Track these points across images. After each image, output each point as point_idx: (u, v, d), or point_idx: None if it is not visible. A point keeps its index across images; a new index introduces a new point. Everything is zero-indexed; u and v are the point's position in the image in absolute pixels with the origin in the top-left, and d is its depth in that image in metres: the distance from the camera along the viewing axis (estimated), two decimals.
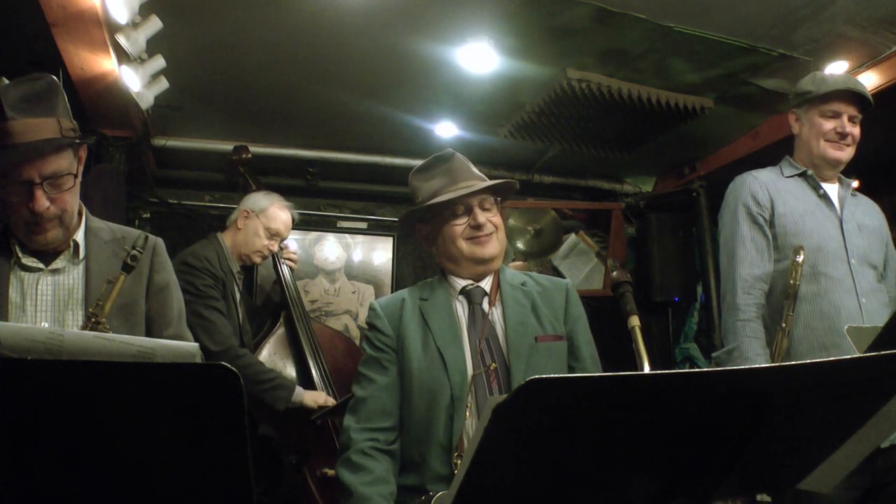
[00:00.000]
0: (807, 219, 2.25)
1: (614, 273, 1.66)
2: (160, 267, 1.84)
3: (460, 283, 1.87)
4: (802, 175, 2.34)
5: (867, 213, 2.36)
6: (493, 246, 1.84)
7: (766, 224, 2.27)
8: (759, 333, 2.19)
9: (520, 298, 1.86)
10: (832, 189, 2.34)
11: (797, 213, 2.26)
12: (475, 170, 1.90)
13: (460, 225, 1.82)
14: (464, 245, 1.82)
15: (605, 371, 1.90)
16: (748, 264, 2.25)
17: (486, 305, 1.84)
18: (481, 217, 1.81)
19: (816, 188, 2.31)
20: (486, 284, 1.87)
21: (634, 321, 1.56)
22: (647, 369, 1.69)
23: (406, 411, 1.77)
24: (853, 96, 2.28)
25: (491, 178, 1.91)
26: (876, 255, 2.28)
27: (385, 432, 1.75)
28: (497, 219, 1.86)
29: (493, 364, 1.74)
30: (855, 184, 2.39)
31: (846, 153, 2.29)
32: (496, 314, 1.84)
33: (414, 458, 1.74)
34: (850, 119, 2.28)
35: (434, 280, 1.94)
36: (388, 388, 1.78)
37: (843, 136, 2.27)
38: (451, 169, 1.86)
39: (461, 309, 1.85)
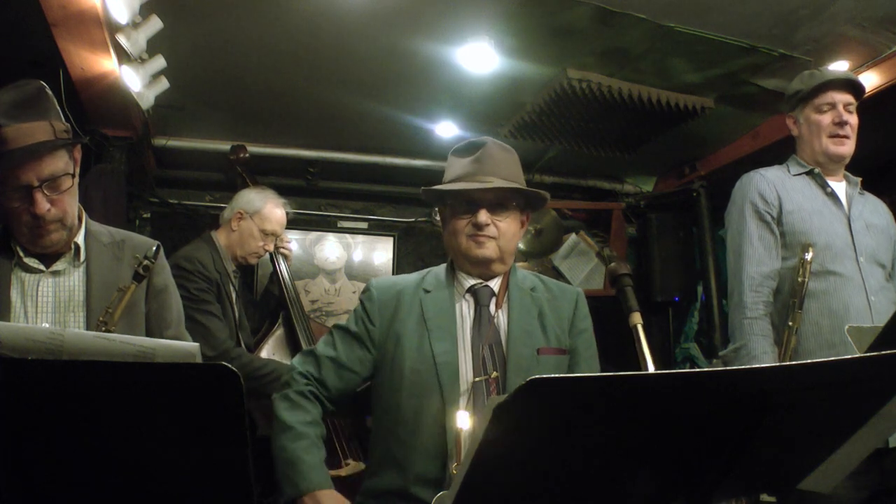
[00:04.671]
0: (815, 217, 2.23)
1: (612, 264, 1.52)
2: (159, 270, 1.85)
3: (469, 280, 1.80)
4: (809, 173, 2.32)
5: (875, 211, 2.35)
6: (490, 250, 1.75)
7: (774, 221, 2.26)
8: (767, 331, 2.18)
9: (527, 305, 1.79)
10: (839, 187, 2.32)
11: (805, 211, 2.24)
12: (509, 165, 1.78)
13: (464, 219, 1.75)
14: (462, 240, 1.76)
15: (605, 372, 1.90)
16: (756, 262, 2.23)
17: (492, 307, 1.78)
18: (484, 217, 1.72)
19: (824, 186, 2.30)
20: (495, 285, 1.80)
21: (636, 319, 1.40)
22: (651, 370, 1.67)
23: (394, 409, 1.72)
24: (845, 84, 2.27)
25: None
26: (884, 254, 2.27)
27: (325, 392, 1.75)
28: (505, 224, 1.76)
29: (495, 373, 1.69)
30: (858, 181, 2.38)
31: (847, 147, 2.28)
32: (501, 318, 1.77)
33: (397, 458, 1.69)
34: (846, 107, 2.27)
35: (443, 270, 1.86)
36: (341, 368, 1.75)
37: (841, 125, 2.25)
38: (480, 158, 1.75)
39: (466, 308, 1.79)
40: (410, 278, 1.86)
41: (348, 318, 1.83)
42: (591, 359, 1.84)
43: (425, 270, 1.89)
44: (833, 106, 2.26)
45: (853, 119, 2.28)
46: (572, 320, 1.82)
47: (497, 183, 1.72)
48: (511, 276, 1.83)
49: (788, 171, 2.35)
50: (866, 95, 2.96)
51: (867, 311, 2.14)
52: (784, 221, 2.25)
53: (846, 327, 2.01)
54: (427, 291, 1.80)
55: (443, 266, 1.88)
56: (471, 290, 1.80)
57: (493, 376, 1.68)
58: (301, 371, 1.76)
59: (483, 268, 1.79)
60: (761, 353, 2.14)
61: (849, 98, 2.28)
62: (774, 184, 2.30)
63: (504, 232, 1.76)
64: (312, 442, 1.65)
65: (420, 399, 1.69)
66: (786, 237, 2.25)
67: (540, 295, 1.83)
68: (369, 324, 1.78)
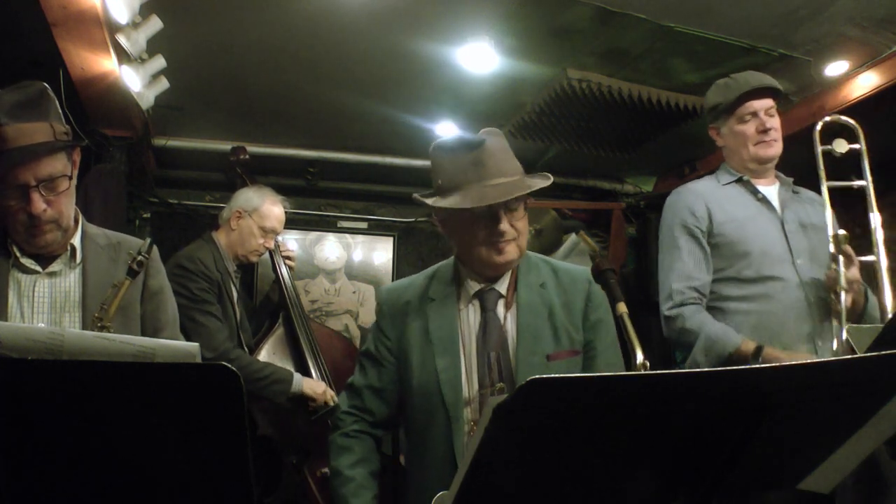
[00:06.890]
0: (748, 224, 2.22)
1: (597, 260, 1.57)
2: (154, 272, 1.86)
3: (475, 286, 1.73)
4: (739, 181, 2.32)
5: (813, 210, 2.30)
6: (513, 253, 1.66)
7: (704, 235, 2.24)
8: (708, 317, 2.15)
9: (536, 305, 1.71)
10: (771, 191, 2.31)
11: (738, 221, 2.23)
12: (508, 158, 1.68)
13: (481, 228, 1.64)
14: (481, 251, 1.66)
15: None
16: (684, 277, 2.21)
17: (500, 310, 1.72)
18: (505, 224, 1.63)
19: (755, 192, 2.29)
20: (503, 285, 1.73)
21: (622, 308, 1.47)
22: (639, 356, 1.68)
23: (408, 421, 1.79)
24: (763, 91, 2.27)
25: None
26: (825, 251, 2.19)
27: (373, 418, 1.79)
28: (522, 223, 1.67)
29: (501, 384, 1.65)
30: (791, 181, 2.36)
31: (775, 148, 2.28)
32: (510, 322, 1.71)
33: (415, 467, 1.76)
34: (767, 112, 2.27)
35: (449, 271, 1.79)
36: (379, 392, 1.79)
37: (766, 131, 2.26)
38: (480, 160, 1.63)
39: (472, 315, 1.72)
40: (417, 284, 1.81)
41: (369, 339, 1.85)
42: (608, 350, 1.74)
43: (432, 270, 1.83)
44: (755, 114, 2.26)
45: (776, 122, 2.29)
46: (584, 312, 1.73)
47: (512, 189, 1.61)
48: (520, 272, 1.75)
49: (718, 182, 2.35)
50: (866, 95, 2.98)
51: (807, 312, 2.12)
52: (717, 233, 2.23)
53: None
54: (432, 300, 1.75)
55: (450, 264, 1.80)
56: (477, 294, 1.73)
57: (497, 388, 1.65)
58: (346, 409, 1.81)
59: (502, 271, 1.73)
60: (721, 331, 2.10)
61: (768, 102, 2.28)
62: (704, 196, 2.29)
63: (521, 230, 1.68)
64: (359, 483, 1.70)
65: (427, 414, 1.69)
66: (721, 248, 2.23)
67: (550, 291, 1.74)
68: (386, 340, 1.79)
